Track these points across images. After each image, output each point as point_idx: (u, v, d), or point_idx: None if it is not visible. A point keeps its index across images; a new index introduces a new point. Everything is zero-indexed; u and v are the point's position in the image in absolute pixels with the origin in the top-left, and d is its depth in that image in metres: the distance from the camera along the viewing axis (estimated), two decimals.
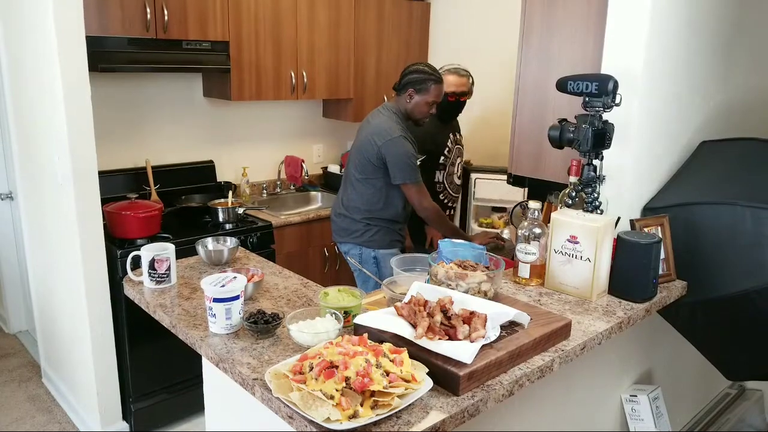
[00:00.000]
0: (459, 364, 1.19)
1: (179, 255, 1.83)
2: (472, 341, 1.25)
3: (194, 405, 2.82)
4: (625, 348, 2.06)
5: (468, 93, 2.98)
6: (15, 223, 3.54)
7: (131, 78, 3.09)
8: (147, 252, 1.72)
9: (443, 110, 2.87)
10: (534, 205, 1.76)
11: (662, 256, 1.78)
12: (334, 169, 3.93)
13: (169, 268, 1.75)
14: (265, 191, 3.65)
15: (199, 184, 3.33)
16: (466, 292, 1.50)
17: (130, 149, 3.15)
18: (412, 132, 2.60)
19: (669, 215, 1.84)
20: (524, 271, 1.77)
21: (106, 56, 2.63)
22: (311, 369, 1.13)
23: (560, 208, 1.81)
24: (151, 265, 1.72)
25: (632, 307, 1.66)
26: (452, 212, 3.21)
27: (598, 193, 1.78)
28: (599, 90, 1.67)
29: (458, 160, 3.10)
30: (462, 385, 1.17)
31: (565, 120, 1.78)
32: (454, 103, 2.92)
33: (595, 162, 1.77)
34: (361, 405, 1.07)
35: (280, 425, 1.19)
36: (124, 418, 2.75)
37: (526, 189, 2.27)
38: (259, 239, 3.04)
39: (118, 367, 2.67)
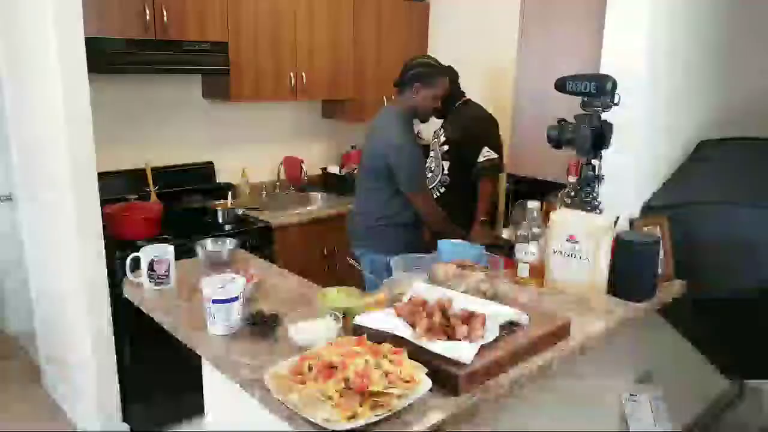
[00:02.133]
0: (458, 364, 1.19)
1: (179, 256, 1.83)
2: (471, 341, 1.25)
3: (194, 405, 2.80)
4: (625, 348, 2.06)
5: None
6: (15, 224, 3.53)
7: (130, 79, 3.09)
8: (146, 253, 1.72)
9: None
10: (533, 205, 1.76)
11: (661, 256, 1.78)
12: (334, 169, 3.93)
13: (168, 270, 1.75)
14: (264, 192, 3.65)
15: (198, 185, 3.32)
16: (466, 292, 1.50)
17: (129, 150, 3.15)
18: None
19: (668, 215, 1.84)
20: (524, 271, 1.77)
21: (105, 57, 2.63)
22: (310, 370, 1.13)
23: (559, 208, 1.81)
24: (151, 267, 1.72)
25: (631, 307, 1.66)
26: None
27: (597, 193, 1.79)
28: (598, 90, 1.67)
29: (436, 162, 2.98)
30: (461, 385, 1.17)
31: (564, 120, 1.78)
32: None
33: (594, 162, 1.77)
34: (360, 405, 1.07)
35: (279, 426, 1.19)
36: (124, 418, 2.74)
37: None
38: (259, 240, 3.03)
39: (118, 367, 2.66)
